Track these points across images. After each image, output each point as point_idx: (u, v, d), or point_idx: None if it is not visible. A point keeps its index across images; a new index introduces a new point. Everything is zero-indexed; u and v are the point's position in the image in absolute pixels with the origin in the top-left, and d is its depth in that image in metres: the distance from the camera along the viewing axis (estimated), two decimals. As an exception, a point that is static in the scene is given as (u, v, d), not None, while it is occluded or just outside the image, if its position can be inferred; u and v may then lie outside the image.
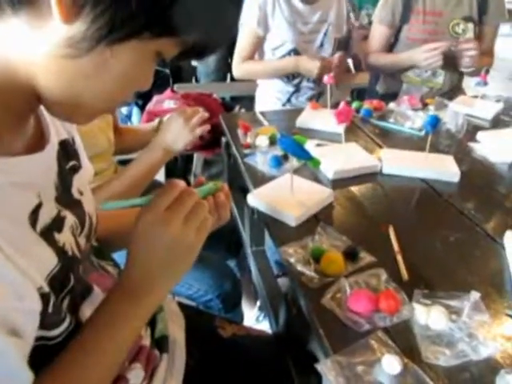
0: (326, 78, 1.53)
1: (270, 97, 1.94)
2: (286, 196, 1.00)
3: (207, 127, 1.17)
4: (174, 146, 1.11)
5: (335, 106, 1.54)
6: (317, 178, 1.13)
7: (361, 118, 1.56)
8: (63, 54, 0.44)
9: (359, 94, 2.48)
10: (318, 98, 1.92)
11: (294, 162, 1.11)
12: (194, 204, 0.54)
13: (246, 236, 1.33)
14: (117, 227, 0.76)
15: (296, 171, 1.12)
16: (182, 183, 0.54)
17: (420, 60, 1.76)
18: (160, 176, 1.97)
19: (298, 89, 1.91)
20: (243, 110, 2.34)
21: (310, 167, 1.16)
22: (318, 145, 1.30)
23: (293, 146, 0.93)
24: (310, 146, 1.26)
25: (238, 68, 1.85)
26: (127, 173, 1.06)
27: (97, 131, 1.18)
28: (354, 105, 1.61)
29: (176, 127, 1.11)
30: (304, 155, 0.94)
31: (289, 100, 1.92)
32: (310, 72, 1.74)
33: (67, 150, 0.61)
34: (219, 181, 0.64)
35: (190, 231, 0.53)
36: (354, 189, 1.10)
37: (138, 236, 0.52)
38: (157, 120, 1.33)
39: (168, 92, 2.30)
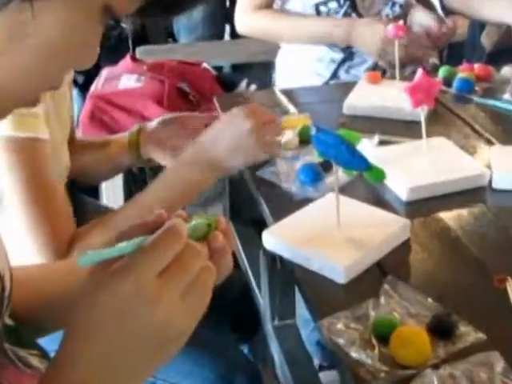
0: (390, 28, 1.56)
1: (301, 68, 1.96)
2: (328, 232, 1.03)
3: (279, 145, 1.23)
4: (229, 162, 1.17)
5: (409, 76, 1.57)
6: (380, 201, 1.16)
7: (454, 94, 1.58)
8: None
9: (452, 54, 2.50)
10: (384, 69, 1.93)
11: (339, 175, 1.13)
12: (199, 270, 0.56)
13: (263, 302, 1.35)
14: (50, 295, 0.78)
15: (344, 190, 1.14)
16: (184, 230, 0.57)
17: None
18: (117, 199, 2.00)
19: (350, 55, 1.93)
20: (254, 87, 2.38)
21: (367, 182, 1.18)
22: (382, 143, 1.32)
23: (337, 147, 0.95)
24: (368, 145, 1.28)
25: (246, 19, 1.87)
26: (141, 202, 1.13)
27: (58, 145, 1.21)
28: (442, 72, 1.63)
29: (238, 134, 1.17)
30: (357, 162, 0.96)
31: (335, 74, 1.95)
32: (369, 51, 1.77)
33: None
34: (213, 210, 0.66)
35: (185, 313, 0.55)
36: (446, 216, 1.12)
37: (102, 310, 0.53)
38: (135, 127, 1.38)
39: (126, 61, 2.36)
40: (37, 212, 1.05)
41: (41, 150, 1.07)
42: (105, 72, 2.28)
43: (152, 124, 1.35)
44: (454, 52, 2.44)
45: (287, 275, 1.10)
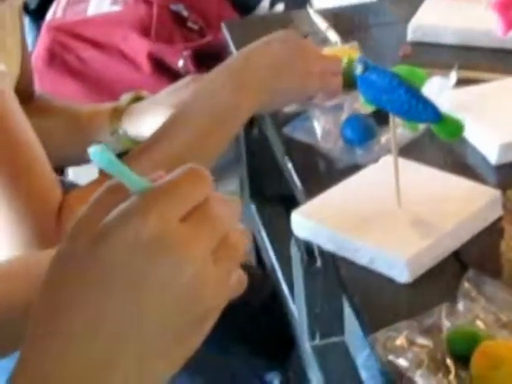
0: None
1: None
2: (384, 211, 1.05)
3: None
4: (271, 83, 1.22)
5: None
6: (459, 165, 1.17)
7: None
8: None
9: None
10: None
11: (399, 130, 1.15)
12: (229, 232, 0.59)
13: (298, 313, 1.37)
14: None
15: (407, 151, 1.16)
16: (209, 177, 0.59)
17: None
18: (89, 174, 2.01)
19: None
20: (281, 8, 2.38)
21: (439, 139, 1.18)
22: (461, 82, 1.32)
23: (394, 92, 0.97)
24: (442, 85, 1.28)
25: None
26: (157, 150, 1.17)
27: None
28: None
29: (289, 50, 1.23)
30: (423, 112, 0.98)
31: None
32: None
33: None
34: (224, 185, 0.66)
35: (218, 281, 0.57)
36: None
37: (100, 267, 0.55)
38: (125, 97, 1.39)
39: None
40: (7, 175, 1.08)
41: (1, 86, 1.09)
42: (67, -8, 2.28)
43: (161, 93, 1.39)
44: None
45: (330, 274, 1.12)
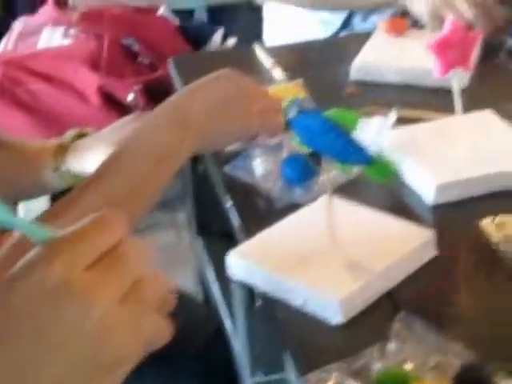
0: None
1: (300, 15, 2.00)
2: (319, 252, 1.06)
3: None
4: (209, 124, 1.22)
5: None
6: (396, 205, 1.19)
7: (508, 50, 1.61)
8: None
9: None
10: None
11: (331, 174, 1.16)
12: (144, 275, 0.59)
13: (240, 351, 1.37)
14: None
15: (345, 190, 1.17)
16: (121, 222, 0.60)
17: None
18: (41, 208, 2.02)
19: None
20: (232, 42, 2.38)
21: (373, 180, 1.18)
22: (401, 121, 1.34)
23: (325, 135, 0.99)
24: (379, 125, 1.28)
25: None
26: (96, 189, 1.15)
27: None
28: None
29: (229, 91, 1.23)
30: (353, 155, 1.00)
31: (348, 22, 1.99)
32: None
33: None
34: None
35: (128, 325, 0.57)
36: (489, 227, 1.12)
37: (7, 315, 0.55)
38: (69, 133, 1.39)
39: (48, 7, 2.36)
40: None
41: None
42: (18, 25, 2.27)
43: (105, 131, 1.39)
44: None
45: (268, 312, 1.13)
